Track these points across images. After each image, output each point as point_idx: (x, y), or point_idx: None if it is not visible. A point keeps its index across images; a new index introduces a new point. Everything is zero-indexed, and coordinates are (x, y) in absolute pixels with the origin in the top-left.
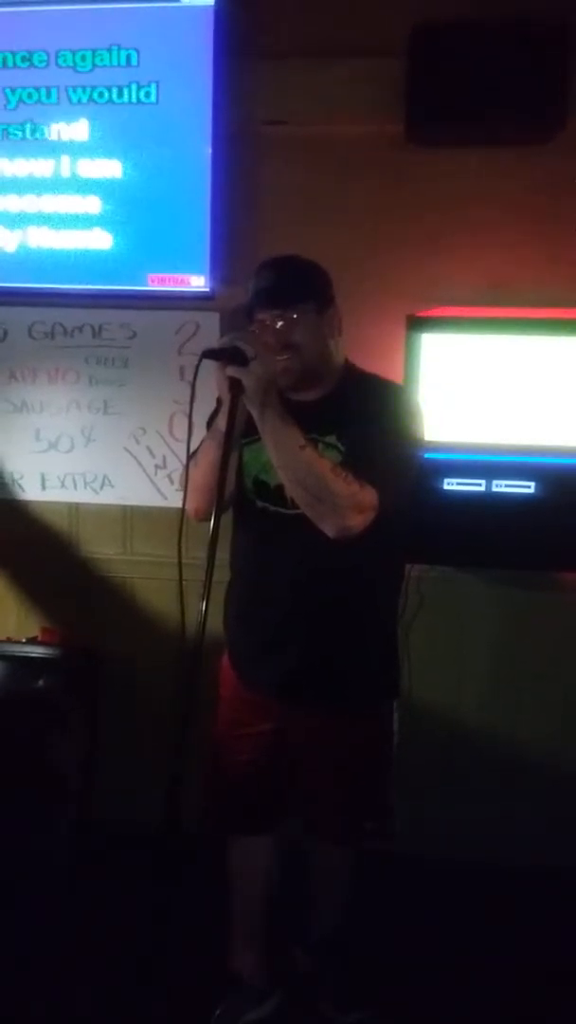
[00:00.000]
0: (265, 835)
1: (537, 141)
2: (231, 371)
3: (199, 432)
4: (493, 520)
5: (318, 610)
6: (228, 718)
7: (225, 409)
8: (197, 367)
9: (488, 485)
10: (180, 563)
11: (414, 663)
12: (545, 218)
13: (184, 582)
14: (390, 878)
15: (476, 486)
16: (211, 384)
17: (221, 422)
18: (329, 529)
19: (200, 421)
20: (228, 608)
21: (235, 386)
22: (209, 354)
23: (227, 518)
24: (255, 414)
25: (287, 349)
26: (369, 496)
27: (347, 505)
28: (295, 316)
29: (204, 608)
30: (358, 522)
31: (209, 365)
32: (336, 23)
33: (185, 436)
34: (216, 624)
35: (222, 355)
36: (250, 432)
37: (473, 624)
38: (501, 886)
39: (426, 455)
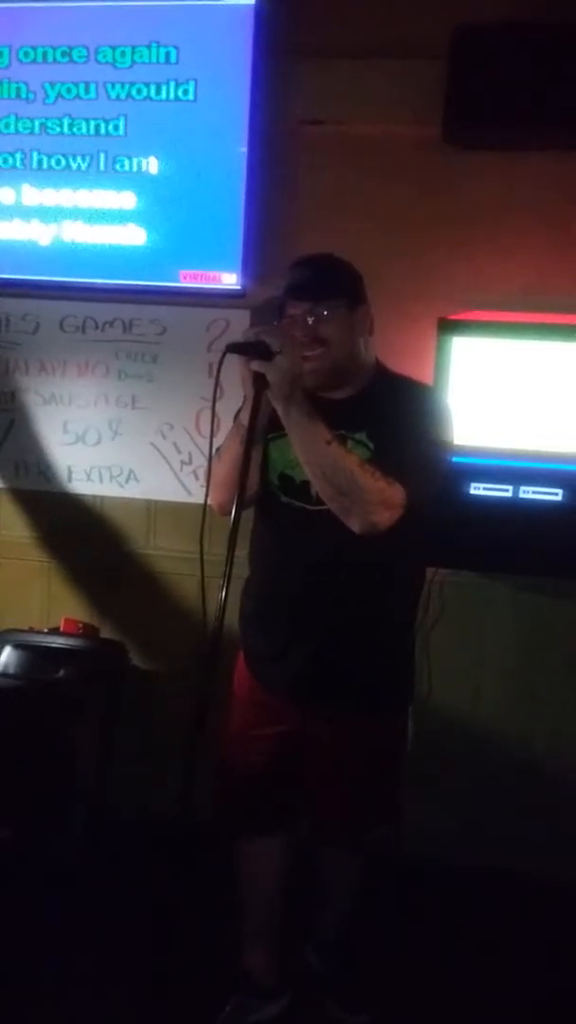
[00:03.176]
0: (276, 835)
1: (574, 146)
2: (255, 365)
3: (226, 426)
4: (519, 527)
5: (337, 609)
6: (241, 718)
7: (248, 404)
8: (221, 360)
9: (515, 491)
10: (202, 559)
11: (434, 668)
12: None
13: (207, 578)
14: (401, 881)
15: (503, 492)
16: (238, 379)
17: (244, 416)
18: (356, 524)
19: (227, 416)
20: (244, 606)
21: (259, 380)
22: (233, 348)
23: (248, 513)
24: (280, 409)
25: (317, 344)
26: (398, 493)
27: (375, 501)
28: (325, 312)
29: (223, 598)
30: (386, 518)
31: (234, 359)
32: (376, 23)
33: (226, 440)
34: (234, 621)
35: (247, 349)
36: (277, 427)
37: (495, 631)
38: (512, 893)
39: (453, 459)
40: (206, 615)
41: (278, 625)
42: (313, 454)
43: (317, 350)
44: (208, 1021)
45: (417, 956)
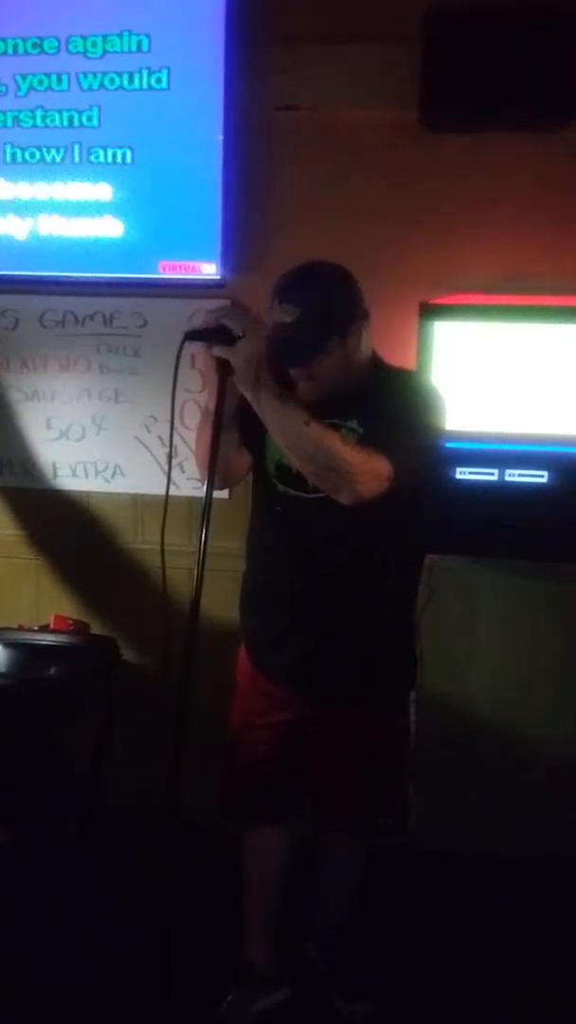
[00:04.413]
0: (279, 826)
1: (552, 127)
2: (218, 351)
3: (189, 416)
4: (505, 510)
5: (336, 597)
6: (244, 708)
7: (211, 390)
8: (180, 348)
9: (501, 474)
10: (163, 549)
11: (425, 653)
12: (560, 205)
13: (189, 570)
14: (399, 870)
15: (488, 475)
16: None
17: (210, 403)
18: (345, 497)
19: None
20: (243, 596)
21: (223, 367)
22: (193, 335)
23: (241, 505)
24: (248, 395)
25: (310, 381)
26: (382, 464)
27: (360, 471)
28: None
29: (198, 579)
30: (373, 488)
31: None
32: (349, 8)
33: (196, 424)
34: (232, 614)
35: (207, 335)
36: None
37: (484, 614)
38: (511, 879)
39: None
40: (167, 606)
41: (277, 615)
42: (292, 437)
43: (307, 384)
44: (209, 1017)
45: (416, 945)
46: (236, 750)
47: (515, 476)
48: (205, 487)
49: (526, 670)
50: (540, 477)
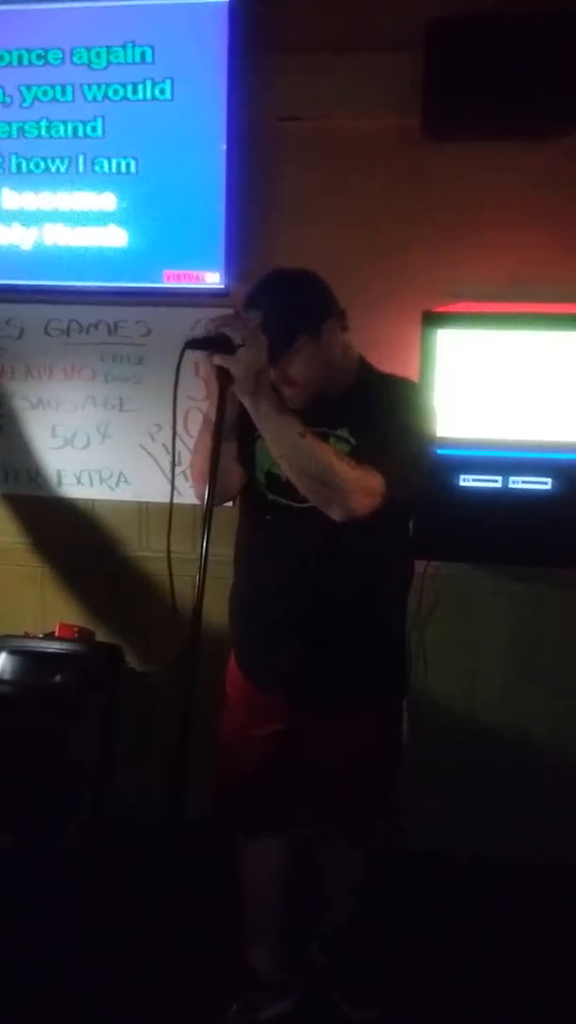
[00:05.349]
0: (275, 835)
1: (554, 134)
2: (218, 360)
3: (192, 424)
4: (509, 517)
5: (326, 605)
6: (236, 720)
7: (212, 399)
8: (180, 357)
9: (504, 481)
10: (169, 557)
11: (429, 660)
12: (563, 212)
13: (189, 576)
14: (403, 874)
15: (492, 482)
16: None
17: (211, 412)
18: (336, 513)
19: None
20: (233, 606)
21: (223, 376)
22: (193, 343)
23: (231, 513)
24: (247, 404)
25: (288, 385)
26: (375, 480)
27: (353, 488)
28: (287, 360)
29: (199, 584)
30: (366, 504)
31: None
32: (351, 17)
33: (197, 432)
34: (212, 616)
35: (207, 344)
36: None
37: (488, 621)
38: (514, 883)
39: (442, 451)
40: (178, 613)
41: (267, 624)
42: (287, 447)
43: (291, 390)
44: (212, 1020)
45: (420, 949)
46: (229, 763)
47: (519, 483)
48: (205, 495)
49: (530, 675)
50: (544, 484)
